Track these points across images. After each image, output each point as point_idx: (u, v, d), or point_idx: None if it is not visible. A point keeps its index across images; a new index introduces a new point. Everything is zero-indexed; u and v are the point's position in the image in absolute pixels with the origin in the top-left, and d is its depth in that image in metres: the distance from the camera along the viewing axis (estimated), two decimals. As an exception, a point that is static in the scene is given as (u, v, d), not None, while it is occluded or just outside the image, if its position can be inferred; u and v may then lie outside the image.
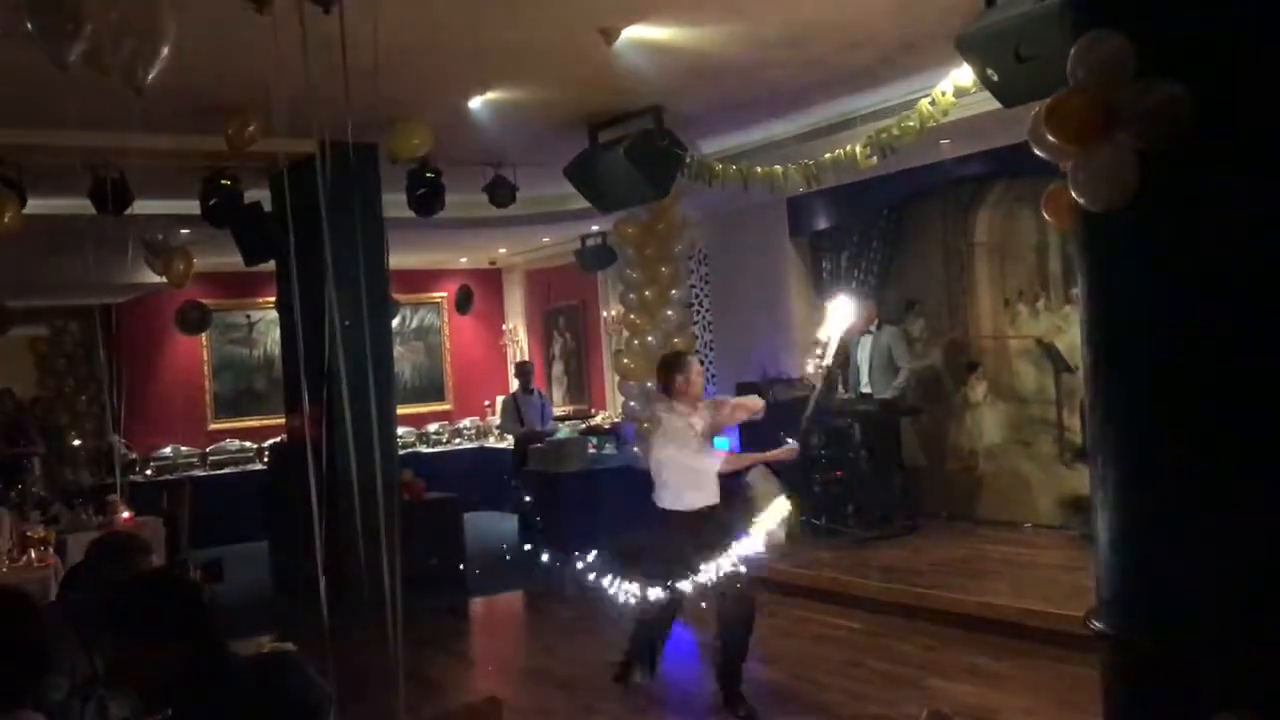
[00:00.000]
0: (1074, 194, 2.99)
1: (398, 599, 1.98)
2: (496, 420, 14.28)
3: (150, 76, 3.78)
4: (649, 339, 10.11)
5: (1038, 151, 3.16)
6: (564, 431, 12.33)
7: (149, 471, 12.88)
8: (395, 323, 14.36)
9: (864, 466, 9.80)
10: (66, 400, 13.73)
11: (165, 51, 3.79)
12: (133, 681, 2.63)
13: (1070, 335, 8.95)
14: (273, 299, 12.79)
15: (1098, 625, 3.19)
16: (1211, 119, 2.78)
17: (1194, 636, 2.90)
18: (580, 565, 5.88)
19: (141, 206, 8.38)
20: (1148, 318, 2.98)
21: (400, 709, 1.90)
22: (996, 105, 6.10)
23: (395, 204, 8.77)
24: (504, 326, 16.30)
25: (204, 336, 14.00)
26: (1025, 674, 6.14)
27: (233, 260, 9.38)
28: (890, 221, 10.52)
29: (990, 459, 10.02)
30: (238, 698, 2.52)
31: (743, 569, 5.62)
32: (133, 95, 4.09)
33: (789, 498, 5.93)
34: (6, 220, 7.19)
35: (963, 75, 6.40)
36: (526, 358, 16.06)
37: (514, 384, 13.50)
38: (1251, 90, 2.82)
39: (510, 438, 12.66)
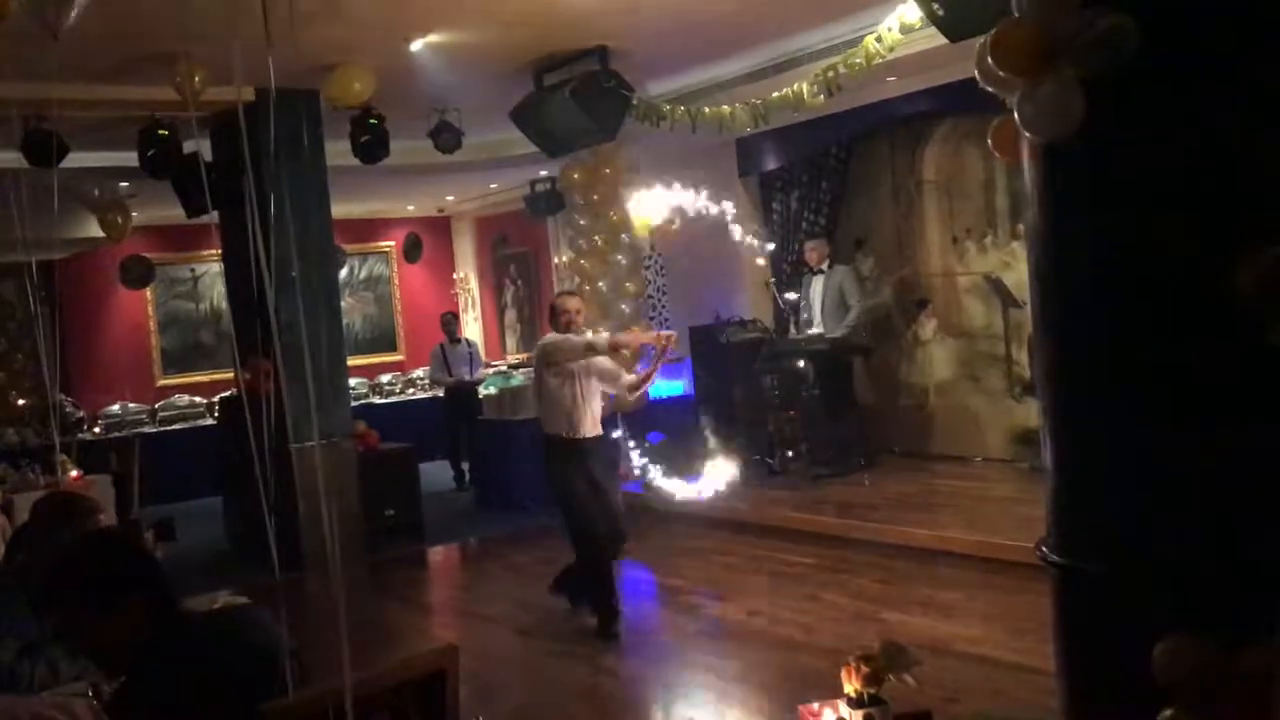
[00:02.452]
0: (1020, 126, 2.98)
1: (335, 548, 1.96)
2: (420, 372, 14.28)
3: (68, 21, 3.65)
4: (600, 284, 10.07)
5: (984, 84, 3.14)
6: (518, 379, 12.29)
7: (98, 429, 12.71)
8: (343, 273, 14.22)
9: (816, 405, 9.87)
10: (0, 360, 13.44)
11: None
12: (86, 649, 2.58)
13: (1018, 271, 9.03)
14: (217, 251, 12.61)
15: (1047, 554, 3.23)
16: (1156, 46, 2.77)
17: (1141, 562, 2.95)
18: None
19: (78, 159, 8.18)
20: (1094, 248, 2.99)
21: (345, 659, 1.89)
22: (943, 40, 6.08)
23: (339, 152, 8.63)
24: (455, 275, 16.17)
25: (149, 291, 13.77)
26: (978, 604, 6.25)
27: (175, 213, 9.20)
28: (839, 160, 10.51)
29: (941, 395, 10.13)
30: (194, 656, 2.49)
31: None
32: (60, 44, 3.97)
33: None
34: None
35: (909, 11, 6.37)
36: (477, 306, 16.01)
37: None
38: (1195, 16, 2.82)
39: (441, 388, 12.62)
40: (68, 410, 12.45)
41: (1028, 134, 3.00)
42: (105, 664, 2.63)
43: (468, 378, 12.04)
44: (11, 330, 13.35)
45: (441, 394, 12.62)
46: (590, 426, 6.32)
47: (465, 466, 11.84)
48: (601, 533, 6.29)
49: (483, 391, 11.90)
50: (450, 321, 12.59)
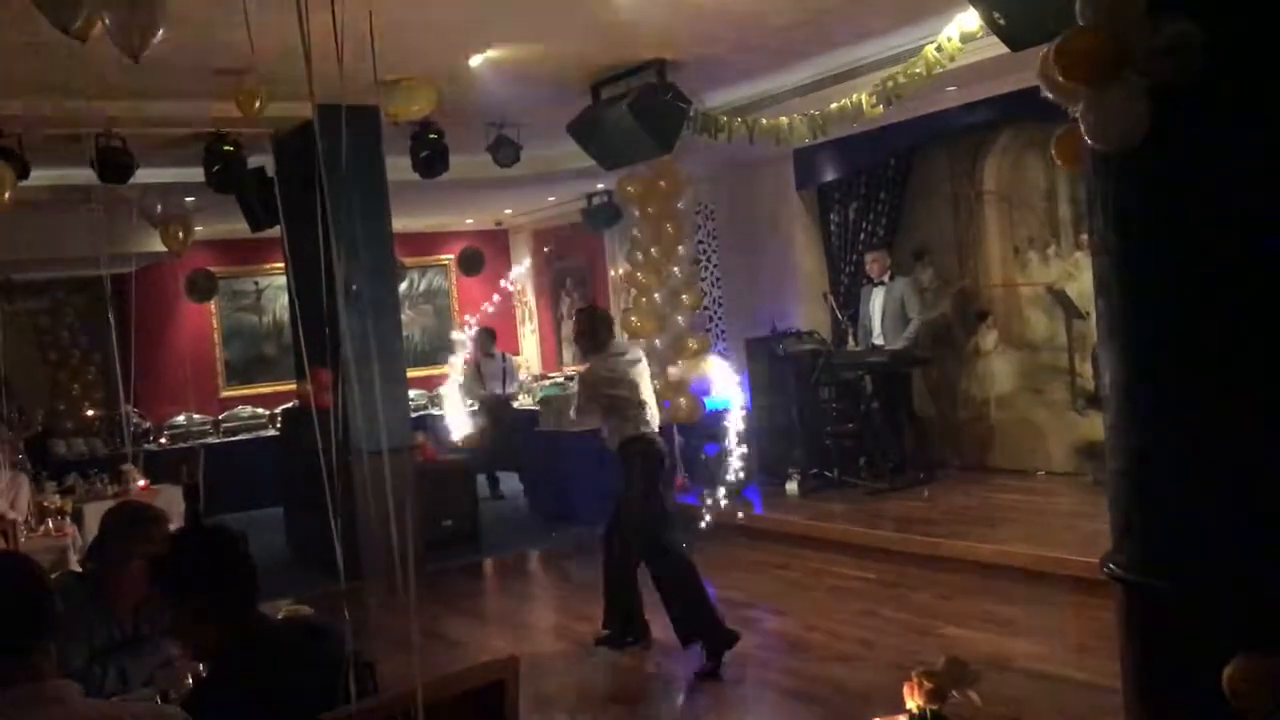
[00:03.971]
0: (1085, 135, 2.95)
1: (410, 560, 1.99)
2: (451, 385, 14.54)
3: (150, 46, 3.74)
4: (656, 296, 10.06)
5: (1047, 94, 3.11)
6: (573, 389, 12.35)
7: (163, 440, 12.94)
8: (403, 286, 14.37)
9: (875, 418, 9.79)
10: (73, 371, 13.75)
11: (162, 22, 3.74)
12: (180, 639, 2.71)
13: (1081, 282, 8.90)
14: (280, 265, 12.79)
15: (1114, 569, 3.18)
16: (1222, 55, 2.73)
17: (1210, 579, 2.90)
18: None
19: (146, 175, 8.36)
20: (1161, 257, 2.95)
21: (415, 669, 1.92)
22: (1004, 50, 6.02)
23: (399, 166, 8.73)
24: (509, 285, 16.27)
25: (213, 304, 14.03)
26: (1040, 620, 6.16)
27: (239, 226, 9.36)
28: (898, 171, 10.45)
29: (1002, 407, 10.01)
30: (274, 658, 2.53)
31: None
32: (130, 63, 4.05)
33: None
34: (5, 197, 7.12)
35: (969, 20, 6.32)
36: (534, 318, 16.10)
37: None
38: (1261, 25, 2.77)
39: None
40: (134, 421, 12.70)
41: (1092, 143, 2.96)
42: (198, 655, 2.76)
43: (500, 392, 12.21)
44: (83, 344, 13.66)
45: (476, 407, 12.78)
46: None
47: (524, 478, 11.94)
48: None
49: (538, 399, 12.00)
50: (484, 336, 12.72)
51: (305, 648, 2.60)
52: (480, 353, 12.58)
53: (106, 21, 3.61)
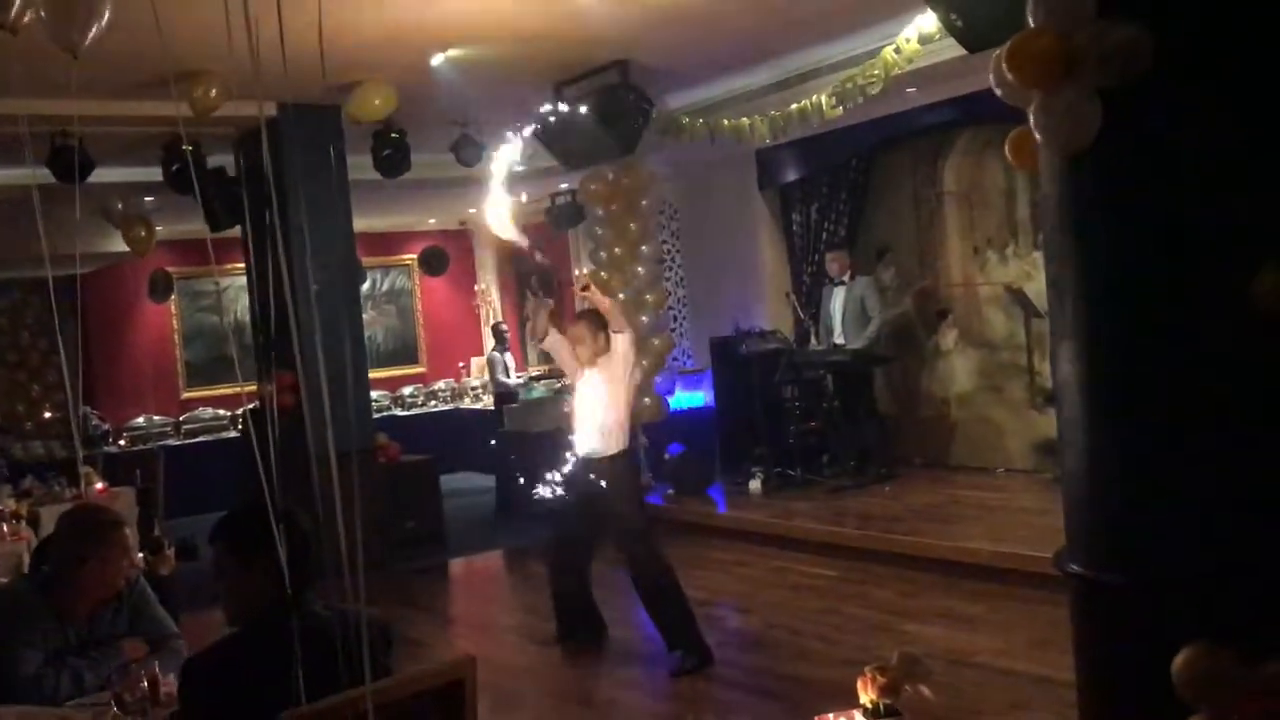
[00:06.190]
0: (1037, 137, 2.99)
1: (359, 560, 2.00)
2: (441, 384, 15.34)
3: (87, 40, 3.67)
4: (620, 296, 10.07)
5: (1000, 95, 3.15)
6: (539, 391, 12.35)
7: (123, 442, 12.80)
8: (365, 287, 14.32)
9: (837, 416, 9.85)
10: (32, 372, 13.59)
11: (101, 16, 3.66)
12: (222, 591, 2.78)
13: (1039, 281, 8.97)
14: (241, 265, 12.70)
15: (1067, 565, 3.22)
16: (1172, 58, 2.77)
17: (1160, 573, 2.94)
18: None
19: (104, 174, 8.28)
20: (1110, 257, 2.99)
21: (366, 670, 1.94)
22: (962, 51, 6.08)
23: (361, 166, 8.69)
24: (476, 287, 16.22)
25: (173, 304, 13.88)
26: (1000, 616, 6.22)
27: (200, 227, 9.29)
28: (859, 171, 10.50)
29: (962, 405, 10.08)
30: (306, 637, 2.50)
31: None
32: (86, 62, 4.00)
33: None
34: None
35: (927, 21, 6.38)
36: (500, 318, 16.09)
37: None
38: (1211, 28, 2.82)
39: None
40: (94, 423, 12.56)
41: (1044, 145, 3.00)
42: (229, 612, 2.81)
43: (507, 380, 13.15)
44: (43, 346, 13.49)
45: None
46: (585, 440, 6.01)
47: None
48: (553, 559, 6.38)
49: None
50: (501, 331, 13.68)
51: (325, 636, 2.52)
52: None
53: (41, 14, 3.53)
